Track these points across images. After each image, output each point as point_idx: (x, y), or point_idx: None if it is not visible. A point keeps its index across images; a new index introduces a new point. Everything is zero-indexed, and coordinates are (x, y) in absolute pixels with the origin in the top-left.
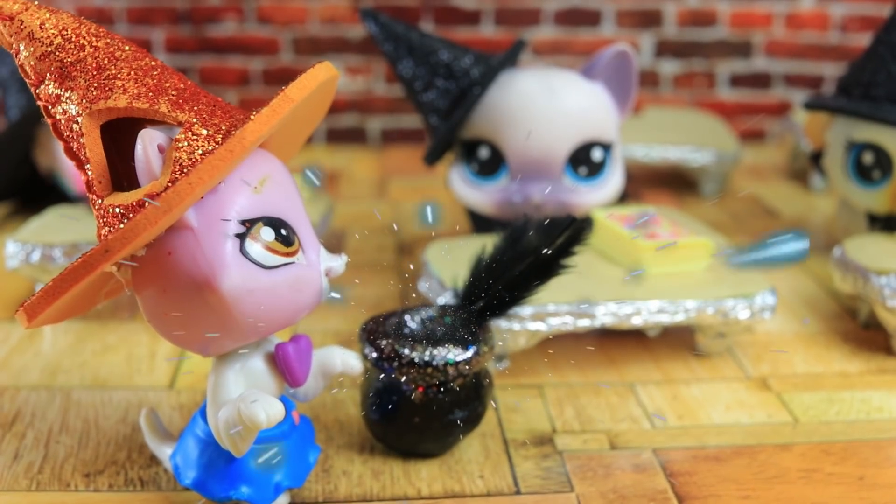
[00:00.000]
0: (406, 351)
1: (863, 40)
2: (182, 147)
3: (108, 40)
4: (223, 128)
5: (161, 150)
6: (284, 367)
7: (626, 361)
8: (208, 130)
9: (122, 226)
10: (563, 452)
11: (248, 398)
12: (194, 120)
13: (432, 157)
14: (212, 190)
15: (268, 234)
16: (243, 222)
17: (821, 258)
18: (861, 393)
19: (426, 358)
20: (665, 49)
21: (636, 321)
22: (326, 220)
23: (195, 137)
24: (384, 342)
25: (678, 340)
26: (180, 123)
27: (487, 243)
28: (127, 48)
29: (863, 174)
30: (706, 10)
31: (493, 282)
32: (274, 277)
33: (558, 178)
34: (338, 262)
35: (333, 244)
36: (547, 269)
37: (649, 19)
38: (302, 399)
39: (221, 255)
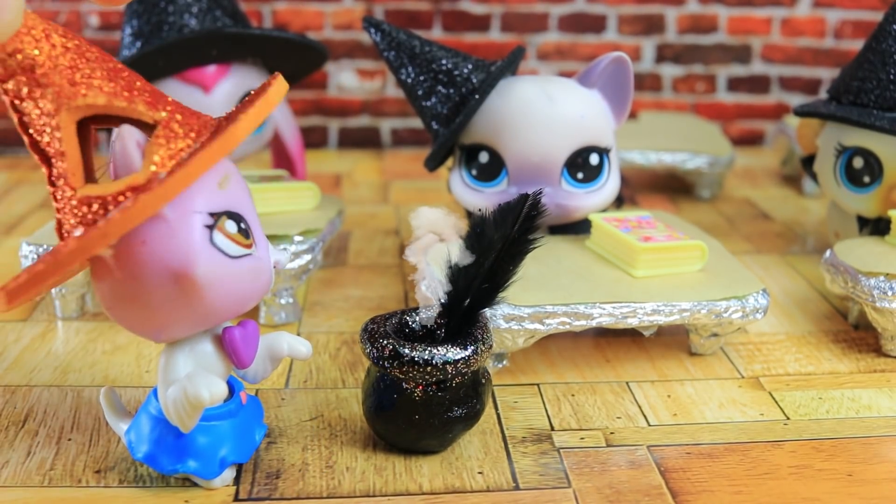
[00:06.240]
0: (406, 350)
1: (857, 45)
2: (161, 143)
3: (78, 42)
4: (195, 127)
5: (138, 145)
6: (231, 349)
7: (621, 361)
8: (182, 129)
9: (102, 215)
10: (560, 449)
11: (193, 377)
12: (168, 118)
13: (433, 162)
14: None
15: (231, 226)
16: (211, 214)
17: (812, 260)
18: (851, 392)
19: (426, 357)
20: (666, 54)
21: (632, 321)
22: (335, 226)
23: (173, 135)
24: (385, 342)
25: (673, 340)
26: (156, 122)
27: (452, 249)
28: (94, 50)
29: (853, 179)
30: (707, 15)
31: (472, 281)
32: (238, 266)
33: (556, 182)
34: (284, 256)
35: (337, 246)
36: (517, 250)
37: (652, 25)
38: (251, 381)
39: (194, 244)
